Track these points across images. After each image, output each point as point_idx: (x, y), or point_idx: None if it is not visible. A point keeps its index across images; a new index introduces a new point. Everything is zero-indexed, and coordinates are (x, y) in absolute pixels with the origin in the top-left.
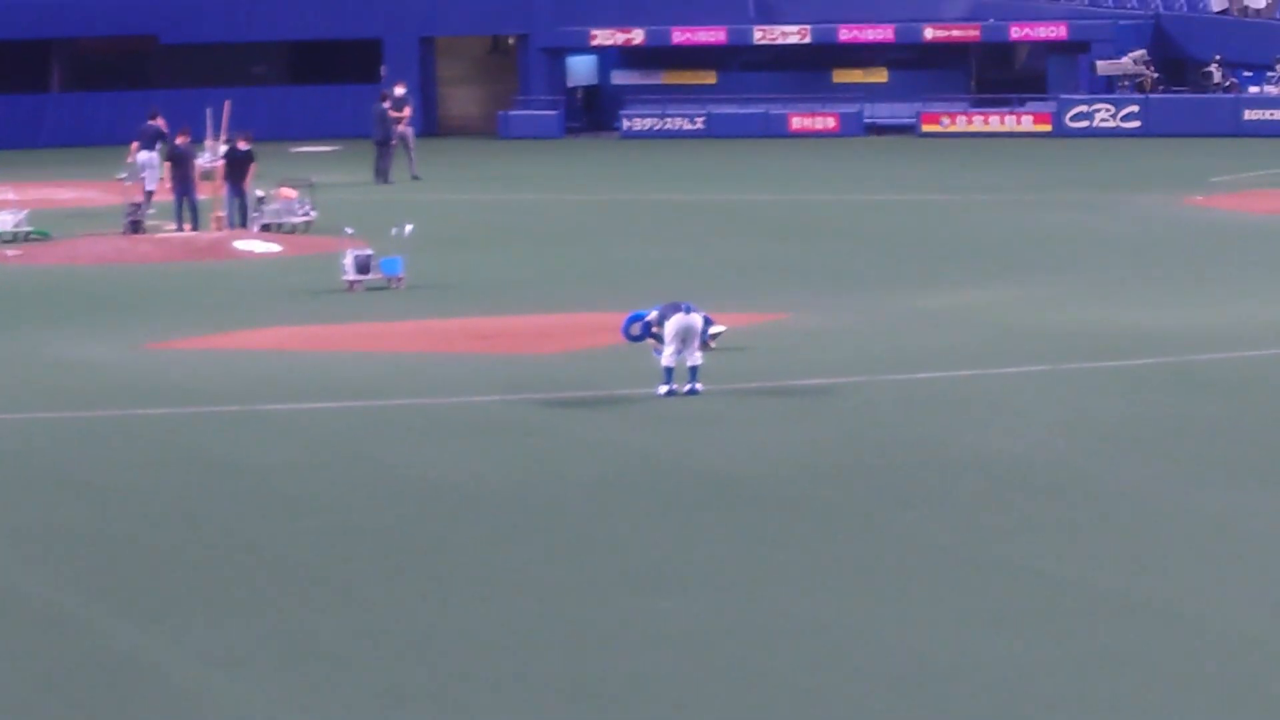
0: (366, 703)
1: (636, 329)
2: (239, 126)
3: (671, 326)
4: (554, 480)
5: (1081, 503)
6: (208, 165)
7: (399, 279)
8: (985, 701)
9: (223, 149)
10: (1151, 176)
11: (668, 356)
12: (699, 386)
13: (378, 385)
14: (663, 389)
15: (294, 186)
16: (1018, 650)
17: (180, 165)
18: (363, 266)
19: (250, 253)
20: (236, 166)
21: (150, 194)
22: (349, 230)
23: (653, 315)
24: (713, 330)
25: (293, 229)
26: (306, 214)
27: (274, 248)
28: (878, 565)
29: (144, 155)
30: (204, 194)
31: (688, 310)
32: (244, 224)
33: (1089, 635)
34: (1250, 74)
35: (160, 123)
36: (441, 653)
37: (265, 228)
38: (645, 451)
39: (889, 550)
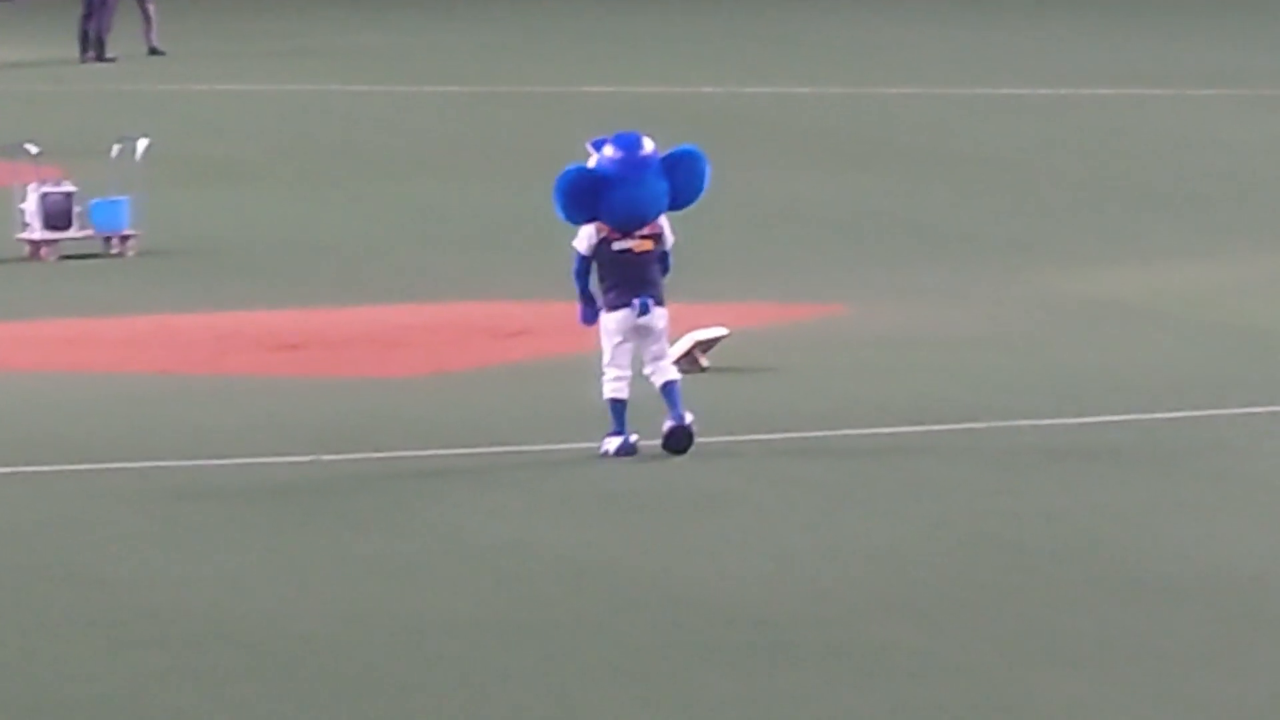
0: None
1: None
2: None
3: (613, 325)
4: (408, 615)
5: None
6: None
7: (124, 238)
8: None
9: None
10: None
11: (612, 383)
12: (689, 418)
13: (84, 435)
14: (610, 444)
15: None
16: None
17: None
18: (57, 215)
19: None
20: None
21: None
22: (32, 149)
23: (581, 239)
24: (706, 335)
25: None
26: None
27: None
28: None
29: None
30: None
31: (643, 307)
32: None
33: None
34: None
35: None
36: None
37: None
38: (573, 561)
39: None
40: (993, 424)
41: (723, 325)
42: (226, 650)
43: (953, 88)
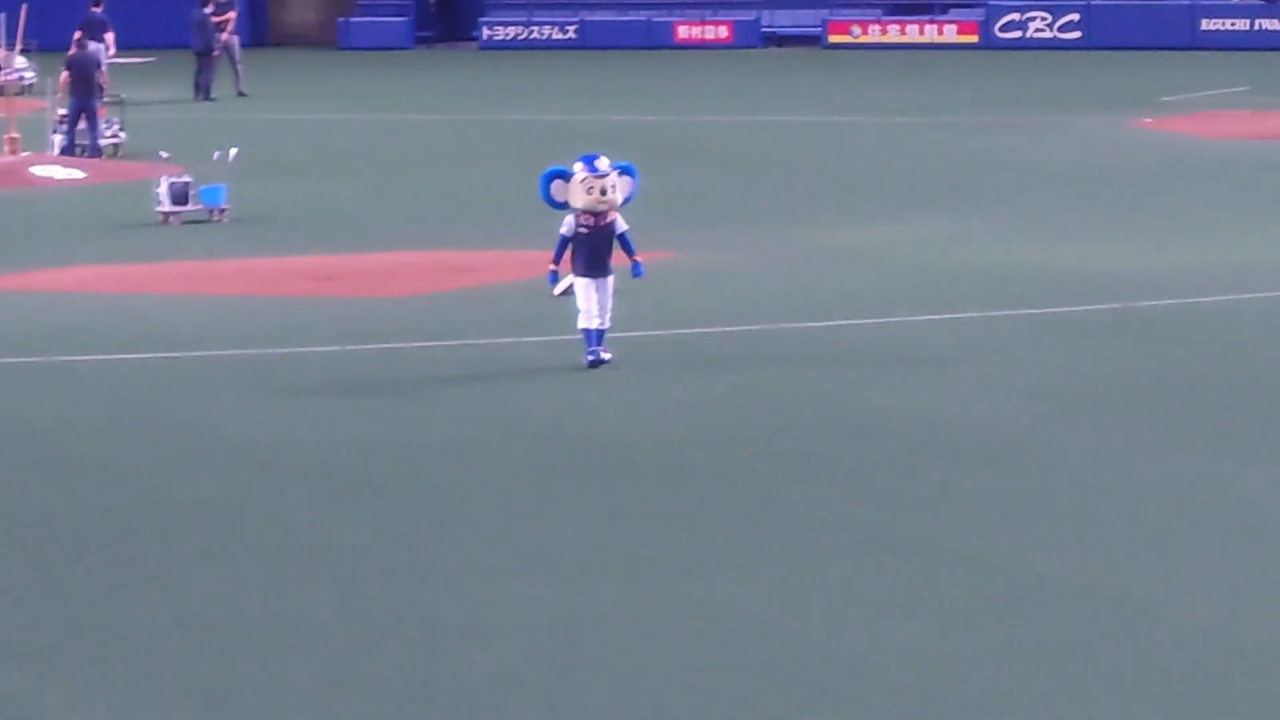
0: (182, 706)
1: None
2: (40, 34)
3: (580, 290)
4: (403, 446)
5: (1011, 472)
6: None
7: (221, 210)
8: (899, 702)
9: (19, 60)
10: (1094, 95)
11: (586, 315)
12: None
13: (196, 333)
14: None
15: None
16: (936, 643)
17: None
18: (179, 196)
19: (49, 180)
20: (84, 74)
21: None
22: (163, 154)
23: (567, 224)
24: None
25: (98, 152)
26: (115, 135)
27: (76, 174)
28: (775, 544)
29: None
30: None
31: (604, 275)
32: (94, 148)
33: (1019, 626)
34: None
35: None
36: (268, 647)
37: (66, 151)
38: (509, 412)
39: (789, 527)
40: (766, 326)
41: None
42: (285, 465)
43: (744, 115)
